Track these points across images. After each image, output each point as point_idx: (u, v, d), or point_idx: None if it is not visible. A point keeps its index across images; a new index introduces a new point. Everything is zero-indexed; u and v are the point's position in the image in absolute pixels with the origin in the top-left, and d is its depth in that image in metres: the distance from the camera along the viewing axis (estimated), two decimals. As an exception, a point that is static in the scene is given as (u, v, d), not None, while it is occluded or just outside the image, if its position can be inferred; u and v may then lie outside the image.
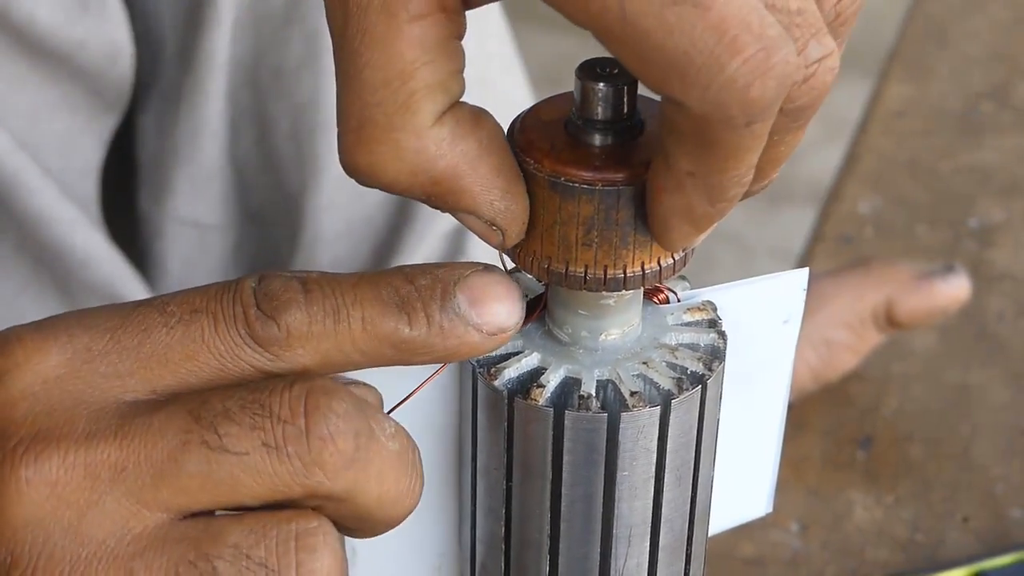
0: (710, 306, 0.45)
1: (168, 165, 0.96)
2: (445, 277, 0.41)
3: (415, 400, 0.44)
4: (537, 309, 0.44)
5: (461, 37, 0.39)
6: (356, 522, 0.40)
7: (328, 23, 0.39)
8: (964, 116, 1.13)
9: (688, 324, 0.45)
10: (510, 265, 0.43)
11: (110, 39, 0.88)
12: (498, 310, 0.41)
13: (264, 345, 0.40)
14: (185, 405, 0.39)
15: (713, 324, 0.45)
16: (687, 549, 0.46)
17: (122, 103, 0.92)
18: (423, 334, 0.40)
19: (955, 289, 0.85)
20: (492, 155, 0.40)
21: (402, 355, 0.41)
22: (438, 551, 0.49)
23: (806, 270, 0.48)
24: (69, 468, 0.38)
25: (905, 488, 0.80)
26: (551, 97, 0.42)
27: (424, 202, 0.40)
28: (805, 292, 0.48)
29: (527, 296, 0.45)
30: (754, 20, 0.34)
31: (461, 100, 0.40)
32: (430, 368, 0.44)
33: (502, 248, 0.42)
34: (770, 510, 0.53)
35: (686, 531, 0.46)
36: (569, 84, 0.42)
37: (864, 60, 1.78)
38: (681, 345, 0.44)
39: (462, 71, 0.39)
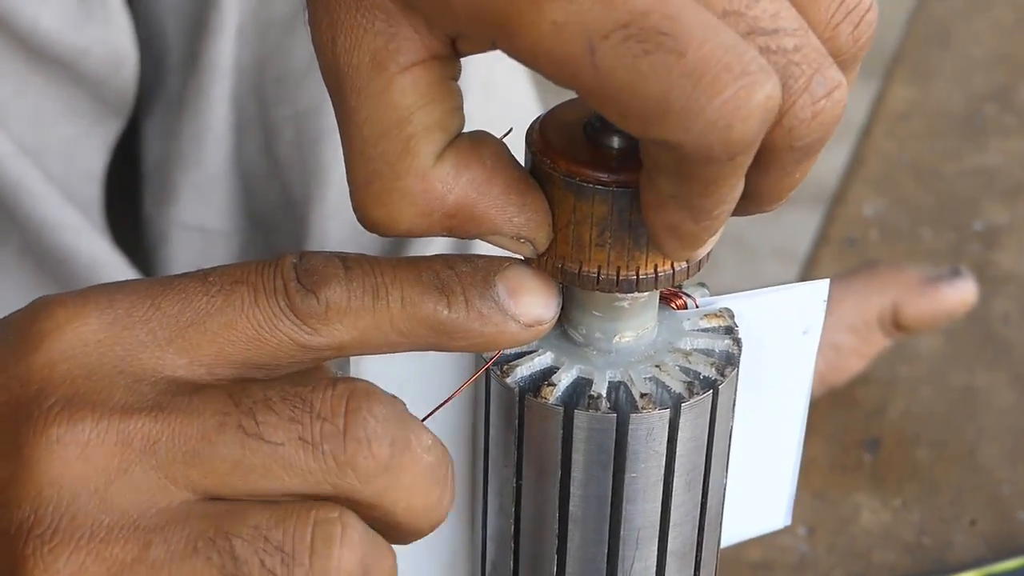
0: (727, 313, 0.45)
1: (172, 170, 0.96)
2: (485, 266, 0.41)
3: (428, 395, 0.44)
4: None
5: (456, 78, 0.40)
6: (384, 529, 0.40)
7: (326, 86, 0.40)
8: (968, 118, 1.13)
9: (704, 330, 0.45)
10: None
11: (114, 46, 0.88)
12: (535, 302, 0.41)
13: (303, 318, 0.40)
14: (226, 389, 0.39)
15: (730, 331, 0.45)
16: (696, 555, 0.46)
17: (126, 110, 0.92)
18: (462, 317, 0.41)
19: (962, 293, 0.85)
20: (499, 175, 0.40)
21: (439, 338, 0.41)
22: (451, 548, 0.49)
23: (827, 281, 0.48)
24: (102, 432, 0.38)
25: (912, 491, 0.80)
26: (573, 99, 0.42)
27: (449, 236, 0.41)
28: (825, 304, 0.48)
29: None
30: (733, 59, 0.34)
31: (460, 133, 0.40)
32: (462, 373, 0.44)
33: (535, 256, 0.42)
34: (788, 523, 0.53)
35: (695, 537, 0.46)
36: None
37: (868, 62, 1.77)
38: (695, 350, 0.44)
39: (460, 107, 0.40)
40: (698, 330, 0.45)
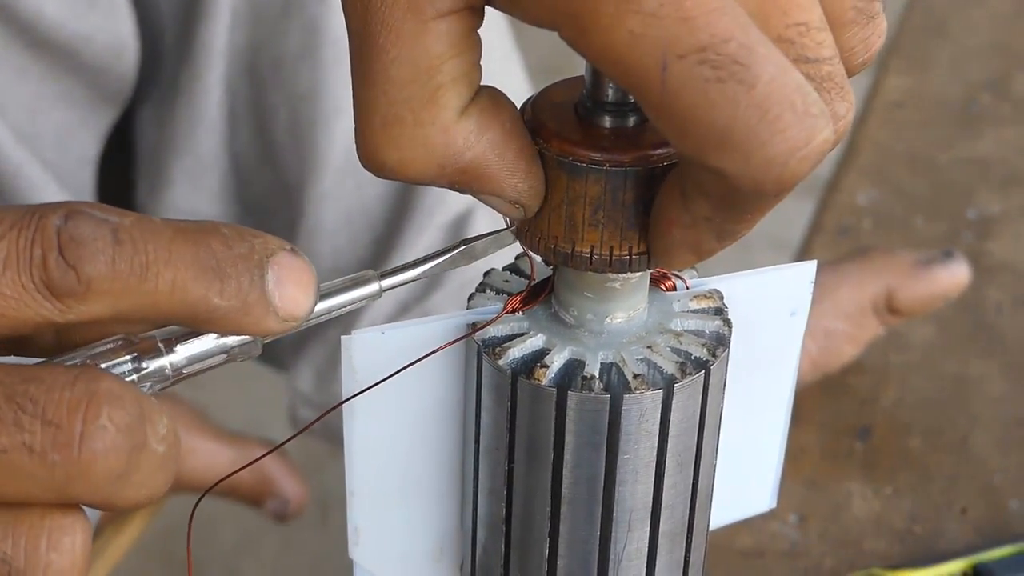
0: (717, 294, 0.46)
1: (166, 156, 0.96)
2: (260, 249, 0.39)
3: (420, 381, 0.44)
4: (544, 291, 0.45)
5: (479, 28, 0.39)
6: (100, 508, 0.38)
7: (346, 19, 0.38)
8: (963, 108, 1.13)
9: (694, 311, 0.45)
10: (519, 250, 0.44)
11: (116, 34, 0.88)
12: (298, 296, 0.39)
13: (58, 296, 0.36)
14: None
15: (719, 312, 0.45)
16: (687, 537, 0.46)
17: (123, 98, 0.92)
18: (230, 306, 0.38)
19: (955, 275, 0.85)
20: (515, 139, 0.40)
21: (196, 322, 0.39)
22: (440, 533, 0.49)
23: (814, 262, 0.48)
24: None
25: (903, 479, 0.80)
26: (562, 80, 0.42)
27: (447, 188, 0.40)
28: (813, 284, 0.48)
29: (532, 281, 0.45)
30: (798, 99, 0.34)
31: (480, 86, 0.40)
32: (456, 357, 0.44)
33: (523, 218, 0.41)
34: (774, 505, 0.53)
35: (687, 518, 0.46)
36: (565, 74, 0.42)
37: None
38: (686, 331, 0.44)
39: (480, 60, 0.39)
40: (688, 311, 0.45)
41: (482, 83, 0.40)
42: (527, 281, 0.45)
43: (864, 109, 1.13)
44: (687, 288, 0.46)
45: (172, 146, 0.95)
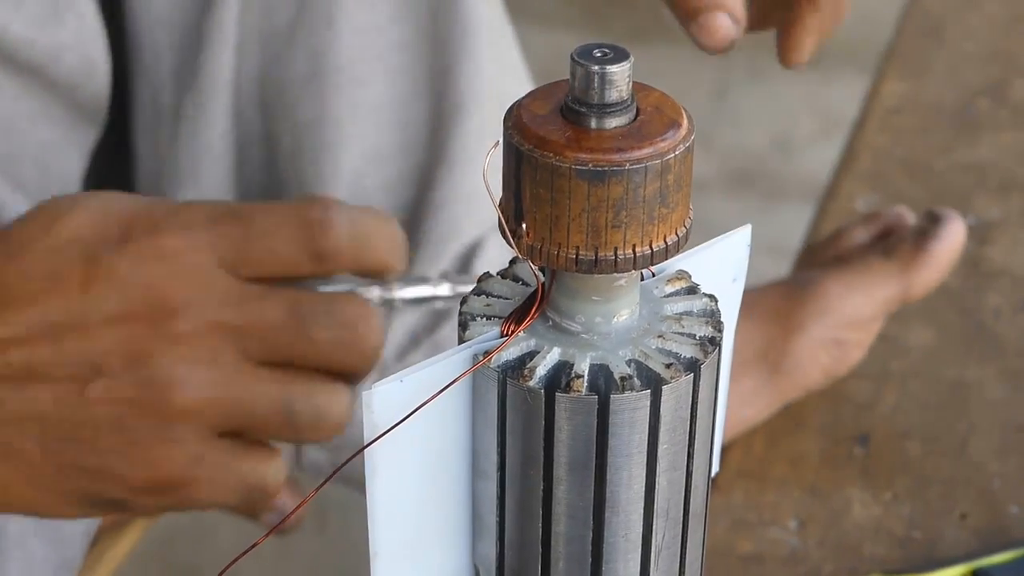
0: (685, 274, 0.46)
1: (168, 185, 0.95)
2: None
3: (435, 425, 0.44)
4: (533, 306, 0.44)
5: None
6: None
7: None
8: (961, 113, 1.13)
9: (673, 294, 0.46)
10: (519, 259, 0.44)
11: (86, 53, 0.87)
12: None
13: None
14: None
15: (693, 290, 0.46)
16: (704, 513, 0.47)
17: (100, 116, 0.91)
18: None
19: (953, 241, 0.84)
20: None
21: None
22: (451, 574, 0.49)
23: (748, 227, 0.49)
24: None
25: (902, 485, 0.81)
26: (532, 92, 0.42)
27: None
28: (749, 248, 0.49)
29: (519, 301, 0.45)
30: None
31: None
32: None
33: (533, 237, 0.42)
34: (718, 469, 0.54)
35: (706, 493, 0.46)
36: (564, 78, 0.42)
37: (861, 57, 1.78)
38: (681, 313, 0.45)
39: None
40: (667, 295, 0.46)
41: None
42: (508, 302, 0.45)
43: (862, 115, 1.14)
44: (653, 275, 0.46)
45: (176, 176, 0.94)
